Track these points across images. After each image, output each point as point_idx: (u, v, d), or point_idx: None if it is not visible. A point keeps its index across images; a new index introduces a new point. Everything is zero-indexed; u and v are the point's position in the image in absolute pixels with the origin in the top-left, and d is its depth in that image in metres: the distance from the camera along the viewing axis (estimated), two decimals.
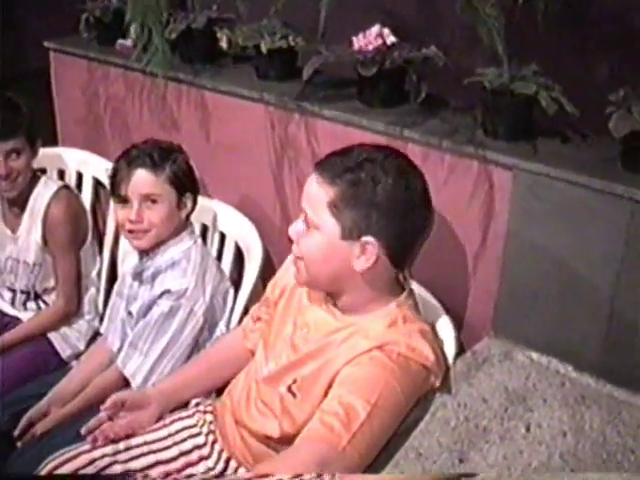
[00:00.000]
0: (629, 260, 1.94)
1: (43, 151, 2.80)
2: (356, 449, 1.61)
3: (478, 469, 1.68)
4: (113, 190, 2.35)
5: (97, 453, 1.99)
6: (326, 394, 1.74)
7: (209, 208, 2.63)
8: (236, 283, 2.51)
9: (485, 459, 1.71)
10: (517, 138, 2.14)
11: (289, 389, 1.84)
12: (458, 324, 2.18)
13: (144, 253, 2.39)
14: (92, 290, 2.88)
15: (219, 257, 2.63)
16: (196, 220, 2.54)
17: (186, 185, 2.36)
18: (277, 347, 1.93)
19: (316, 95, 2.43)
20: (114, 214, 2.39)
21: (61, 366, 2.70)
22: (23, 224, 2.75)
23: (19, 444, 2.33)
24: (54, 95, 3.32)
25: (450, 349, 2.13)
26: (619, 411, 1.90)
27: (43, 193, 2.73)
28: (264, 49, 2.52)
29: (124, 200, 2.32)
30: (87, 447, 2.01)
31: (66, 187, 2.83)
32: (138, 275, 2.40)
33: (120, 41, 3.09)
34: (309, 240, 1.78)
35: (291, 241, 1.83)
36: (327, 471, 1.54)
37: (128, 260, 2.55)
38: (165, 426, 2.10)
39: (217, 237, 2.65)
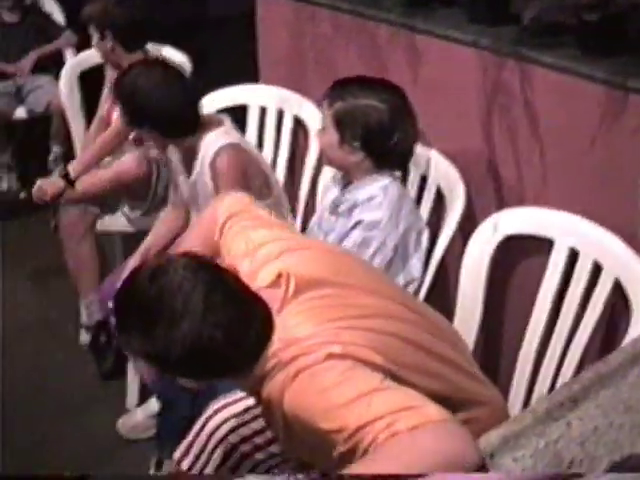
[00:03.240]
0: None
1: (245, 87, 2.87)
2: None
3: None
4: None
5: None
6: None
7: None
8: (434, 229, 2.52)
9: None
10: None
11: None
12: None
13: (344, 187, 2.42)
14: None
15: (418, 200, 2.63)
16: None
17: (346, 129, 2.31)
18: None
19: (533, 40, 2.38)
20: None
21: None
22: (195, 170, 2.80)
23: None
24: (258, 35, 3.39)
25: None
26: None
27: (209, 145, 2.75)
28: None
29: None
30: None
31: (232, 145, 2.78)
32: (335, 208, 2.42)
33: None
34: None
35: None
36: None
37: (326, 195, 2.57)
38: None
39: (417, 180, 2.64)
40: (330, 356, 1.61)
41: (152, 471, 2.50)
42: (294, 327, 1.70)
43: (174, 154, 2.86)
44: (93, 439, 3.06)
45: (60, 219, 3.48)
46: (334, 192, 2.48)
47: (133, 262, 2.78)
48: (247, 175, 2.75)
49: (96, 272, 3.46)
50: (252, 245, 1.86)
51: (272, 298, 1.72)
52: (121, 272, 2.91)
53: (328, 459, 1.57)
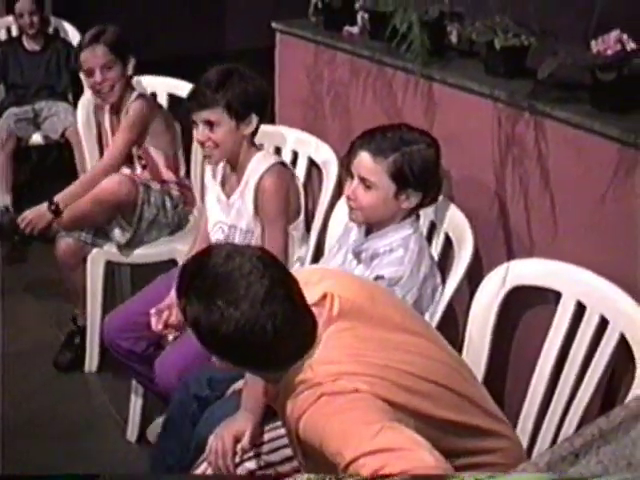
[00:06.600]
0: None
1: (262, 128, 2.89)
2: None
3: None
4: (347, 163, 2.44)
5: None
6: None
7: None
8: (442, 276, 2.53)
9: None
10: None
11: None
12: None
13: (366, 232, 2.47)
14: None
15: None
16: None
17: (409, 181, 2.35)
18: None
19: (548, 95, 2.41)
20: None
21: None
22: (237, 192, 2.85)
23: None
24: (276, 75, 3.44)
25: None
26: None
27: (258, 166, 2.81)
28: (497, 46, 2.53)
29: (351, 174, 2.42)
30: None
31: (281, 163, 2.91)
32: (357, 254, 2.46)
33: (347, 27, 3.17)
34: None
35: None
36: None
37: (348, 236, 2.58)
38: None
39: (427, 225, 2.66)
40: (356, 391, 1.69)
41: None
42: (332, 348, 1.79)
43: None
44: (91, 466, 3.08)
45: (56, 247, 3.52)
46: (355, 235, 2.52)
47: (169, 300, 2.76)
48: (289, 194, 2.85)
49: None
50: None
51: (317, 315, 1.82)
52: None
53: None
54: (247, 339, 1.72)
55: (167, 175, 3.54)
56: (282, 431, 2.18)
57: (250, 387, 2.25)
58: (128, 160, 3.52)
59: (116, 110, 3.55)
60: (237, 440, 2.21)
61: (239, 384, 2.39)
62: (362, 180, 2.37)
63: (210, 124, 2.72)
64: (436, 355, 1.95)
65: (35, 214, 3.40)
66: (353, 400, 1.69)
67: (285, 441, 2.17)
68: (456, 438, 1.85)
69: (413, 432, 1.65)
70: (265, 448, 2.22)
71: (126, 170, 3.52)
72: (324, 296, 1.84)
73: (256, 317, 1.71)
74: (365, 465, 1.57)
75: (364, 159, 2.36)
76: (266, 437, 2.23)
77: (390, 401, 1.72)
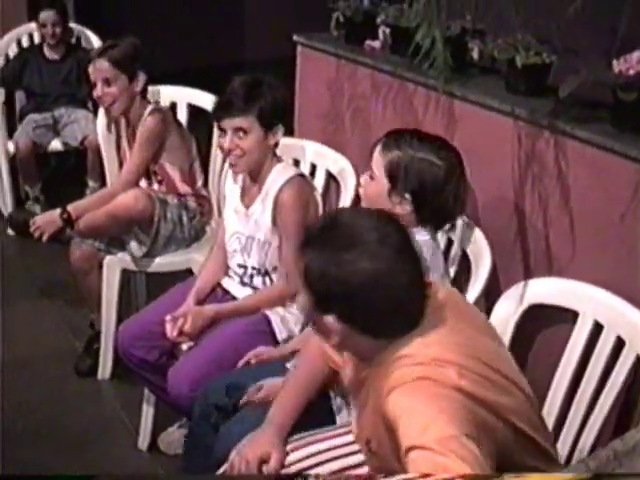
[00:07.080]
0: None
1: (282, 140, 2.89)
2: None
3: None
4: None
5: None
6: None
7: None
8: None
9: None
10: None
11: (369, 449, 1.90)
12: None
13: None
14: None
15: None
16: None
17: (398, 182, 2.33)
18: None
19: (569, 114, 2.41)
20: None
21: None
22: (256, 203, 2.85)
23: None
24: (296, 87, 3.45)
25: None
26: None
27: (278, 177, 2.81)
28: (519, 63, 2.54)
29: None
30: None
31: (301, 175, 2.92)
32: None
33: (368, 42, 3.18)
34: None
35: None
36: None
37: None
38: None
39: (444, 241, 2.65)
40: (459, 390, 1.68)
41: None
42: (440, 334, 1.78)
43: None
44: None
45: (70, 252, 3.53)
46: None
47: (184, 308, 2.82)
48: (308, 206, 2.83)
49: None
50: None
51: None
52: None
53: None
54: (376, 293, 1.71)
55: (183, 189, 3.53)
56: (313, 448, 2.14)
57: (284, 398, 2.20)
58: (145, 174, 3.53)
59: (132, 123, 3.55)
60: (262, 461, 2.11)
61: (253, 390, 2.39)
62: (371, 170, 2.39)
63: (240, 132, 2.73)
64: (510, 361, 1.96)
65: (45, 221, 3.41)
66: (448, 396, 1.66)
67: (316, 460, 2.12)
68: (523, 452, 1.83)
69: (480, 454, 1.60)
70: (293, 469, 2.12)
71: (143, 184, 3.53)
72: (429, 283, 1.85)
73: (387, 271, 1.71)
74: (422, 460, 1.57)
75: (376, 150, 2.38)
76: (293, 457, 2.13)
77: (480, 398, 1.70)
